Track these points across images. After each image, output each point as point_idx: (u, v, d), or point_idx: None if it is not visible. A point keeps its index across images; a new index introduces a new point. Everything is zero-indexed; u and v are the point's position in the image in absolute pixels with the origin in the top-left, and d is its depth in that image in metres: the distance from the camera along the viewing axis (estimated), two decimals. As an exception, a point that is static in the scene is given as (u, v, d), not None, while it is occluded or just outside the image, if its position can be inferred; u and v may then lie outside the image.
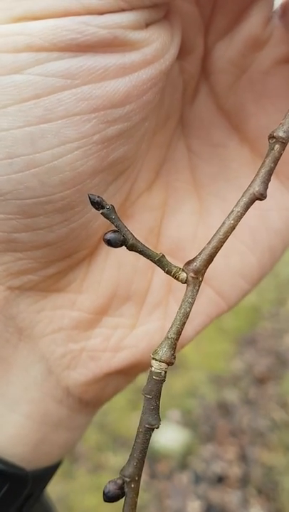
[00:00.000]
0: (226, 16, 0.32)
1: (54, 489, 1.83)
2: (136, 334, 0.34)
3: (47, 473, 0.36)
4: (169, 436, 2.11)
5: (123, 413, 2.08)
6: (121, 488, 0.24)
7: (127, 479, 0.24)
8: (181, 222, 0.34)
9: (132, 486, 0.24)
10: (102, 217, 0.24)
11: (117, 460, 1.93)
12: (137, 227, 0.33)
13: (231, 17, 0.32)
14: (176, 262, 0.33)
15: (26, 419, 0.33)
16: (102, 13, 0.24)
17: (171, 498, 1.87)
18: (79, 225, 0.28)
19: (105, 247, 0.32)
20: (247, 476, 1.93)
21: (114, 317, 0.34)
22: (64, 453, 0.37)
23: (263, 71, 0.33)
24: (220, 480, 1.94)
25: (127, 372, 0.35)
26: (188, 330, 0.34)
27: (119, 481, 0.24)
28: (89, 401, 0.35)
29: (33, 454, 0.34)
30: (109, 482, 0.24)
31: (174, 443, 2.09)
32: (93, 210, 0.24)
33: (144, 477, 1.88)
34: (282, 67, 0.33)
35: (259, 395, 2.35)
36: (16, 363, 0.33)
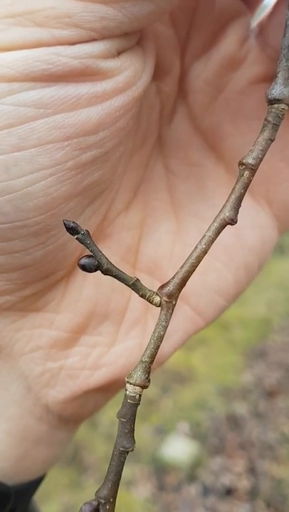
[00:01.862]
0: (203, 37, 0.32)
1: (62, 500, 1.83)
2: (114, 352, 0.34)
3: (29, 487, 0.36)
4: (178, 448, 2.11)
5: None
6: (96, 509, 0.24)
7: (102, 501, 0.24)
8: (159, 241, 0.35)
9: (107, 507, 0.24)
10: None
11: (125, 471, 1.92)
12: (115, 246, 0.34)
13: (207, 37, 0.32)
14: (154, 280, 0.34)
15: (6, 435, 0.33)
16: (73, 44, 0.24)
17: (180, 510, 1.87)
18: (55, 247, 0.29)
19: None
20: (256, 489, 1.92)
21: (93, 336, 0.34)
22: (46, 468, 0.37)
23: (239, 91, 0.33)
24: (228, 492, 1.93)
25: (105, 390, 0.35)
26: (166, 347, 0.35)
27: (95, 503, 0.24)
28: (68, 418, 0.35)
29: (14, 469, 0.34)
30: (84, 504, 0.24)
31: (183, 455, 2.08)
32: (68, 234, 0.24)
33: (152, 489, 1.88)
34: (257, 87, 0.33)
35: (269, 408, 2.34)
36: None
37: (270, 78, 0.33)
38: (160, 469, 2.01)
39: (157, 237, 0.35)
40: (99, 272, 0.32)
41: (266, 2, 0.33)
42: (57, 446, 0.37)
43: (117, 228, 0.34)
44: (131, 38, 0.26)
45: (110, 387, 0.35)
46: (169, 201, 0.35)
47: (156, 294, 0.25)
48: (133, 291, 0.33)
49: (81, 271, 0.32)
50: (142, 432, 2.05)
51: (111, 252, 0.33)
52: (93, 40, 0.24)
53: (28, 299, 0.32)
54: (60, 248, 0.29)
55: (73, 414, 0.35)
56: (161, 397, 2.34)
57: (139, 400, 0.25)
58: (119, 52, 0.26)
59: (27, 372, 0.33)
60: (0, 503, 0.34)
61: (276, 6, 0.32)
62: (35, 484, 0.37)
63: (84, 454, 2.07)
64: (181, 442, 2.15)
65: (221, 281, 0.35)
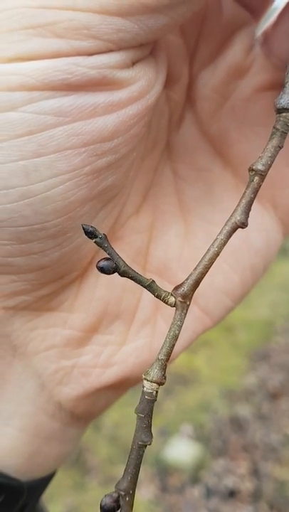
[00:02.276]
0: (210, 45, 0.33)
1: (66, 501, 1.83)
2: (125, 351, 0.35)
3: (41, 483, 0.37)
4: (181, 450, 2.10)
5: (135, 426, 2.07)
6: (116, 501, 0.25)
7: (122, 493, 0.25)
8: (168, 244, 0.36)
9: (127, 499, 0.25)
10: (91, 240, 0.25)
11: (129, 473, 1.92)
12: (126, 249, 0.35)
13: (215, 46, 0.33)
14: (163, 281, 0.35)
15: (19, 432, 0.34)
16: (91, 54, 0.25)
17: (183, 512, 1.86)
18: (71, 249, 0.30)
19: (95, 269, 0.33)
20: (259, 491, 1.92)
21: (105, 335, 0.35)
22: (57, 464, 0.38)
23: (245, 98, 0.34)
24: (231, 494, 1.93)
25: (116, 387, 0.36)
26: (176, 346, 0.36)
27: (115, 495, 0.25)
28: (80, 415, 0.36)
29: (27, 465, 0.35)
30: (105, 496, 0.25)
31: (186, 457, 2.07)
32: (84, 235, 0.25)
33: (155, 491, 1.87)
34: (262, 95, 0.34)
35: (272, 410, 2.34)
36: (10, 379, 0.34)
37: (275, 86, 0.34)
38: (163, 471, 2.01)
39: (166, 240, 0.36)
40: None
41: (271, 11, 0.34)
42: (68, 444, 0.38)
43: (127, 231, 0.35)
44: (145, 49, 0.27)
45: (121, 385, 0.36)
46: (178, 205, 0.36)
47: (171, 295, 0.26)
48: (144, 292, 0.35)
49: (95, 270, 0.33)
50: (146, 434, 2.04)
51: (122, 254, 0.34)
52: (110, 51, 0.25)
53: (43, 299, 0.33)
54: (75, 250, 0.30)
55: (85, 412, 0.36)
56: (165, 399, 2.33)
57: (156, 396, 0.25)
58: (133, 63, 0.27)
59: (41, 371, 0.34)
60: (13, 499, 0.35)
61: (280, 16, 0.33)
62: (46, 481, 0.38)
63: (87, 455, 2.07)
64: (185, 444, 2.14)
65: (228, 282, 0.36)
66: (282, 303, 3.19)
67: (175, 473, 2.01)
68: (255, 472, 2.01)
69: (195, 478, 1.99)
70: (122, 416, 2.19)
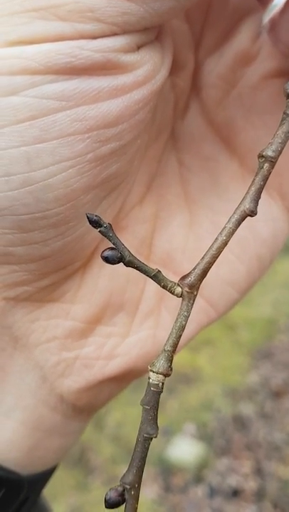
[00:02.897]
0: (216, 32, 0.33)
1: (69, 501, 1.83)
2: (128, 342, 0.35)
3: (42, 477, 0.37)
4: (184, 450, 2.10)
5: (138, 425, 2.08)
6: (121, 495, 0.25)
7: (128, 486, 0.24)
8: (172, 234, 0.35)
9: (132, 492, 0.25)
10: (95, 230, 0.25)
11: (132, 472, 1.92)
12: (130, 239, 0.34)
13: (221, 33, 0.33)
14: (167, 272, 0.35)
15: (20, 425, 0.34)
16: (95, 38, 0.24)
17: (186, 511, 1.86)
18: (73, 238, 0.29)
19: (99, 259, 0.33)
20: (262, 490, 1.92)
21: (108, 326, 0.34)
22: (59, 458, 0.38)
23: (252, 86, 0.34)
24: (235, 494, 1.93)
25: (119, 380, 0.36)
26: (180, 339, 0.35)
27: (120, 489, 0.25)
28: (83, 408, 0.36)
29: (27, 459, 0.35)
30: (110, 489, 0.25)
31: (189, 456, 2.08)
32: (87, 224, 0.25)
33: (158, 490, 1.88)
34: (270, 82, 0.34)
35: (275, 408, 2.34)
36: (11, 371, 0.34)
37: (282, 73, 0.34)
38: (166, 470, 2.01)
39: (171, 230, 0.35)
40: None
41: (278, -2, 0.34)
42: (70, 437, 0.38)
43: (131, 221, 0.34)
44: (150, 33, 0.27)
45: (124, 377, 0.36)
46: (182, 195, 0.36)
47: (178, 285, 0.25)
48: (148, 283, 0.34)
49: (98, 260, 0.33)
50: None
51: (126, 244, 0.33)
52: (115, 34, 0.25)
53: (45, 290, 0.32)
54: (78, 239, 0.30)
55: (87, 404, 0.36)
56: (167, 398, 2.34)
57: (162, 388, 0.25)
58: (139, 47, 0.26)
59: (42, 362, 0.34)
60: (13, 493, 0.34)
61: (287, 3, 0.32)
62: (47, 475, 0.38)
63: (90, 455, 2.07)
64: (188, 443, 2.15)
65: (234, 273, 0.36)
66: (284, 301, 3.19)
67: (178, 472, 2.01)
68: (259, 471, 2.01)
69: (198, 478, 1.99)
70: (124, 415, 2.19)
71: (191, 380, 2.50)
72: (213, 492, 1.93)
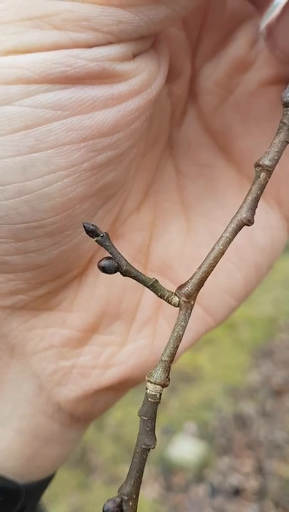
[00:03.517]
0: (213, 39, 0.33)
1: (70, 501, 1.83)
2: (125, 351, 0.34)
3: (40, 486, 0.37)
4: (185, 449, 2.10)
5: (138, 425, 2.08)
6: (119, 506, 0.25)
7: (125, 497, 0.24)
8: (169, 241, 0.35)
9: (130, 504, 0.25)
10: (91, 239, 0.25)
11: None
12: (127, 247, 0.34)
13: (218, 40, 0.33)
14: (165, 280, 0.35)
15: (17, 434, 0.34)
16: (90, 47, 0.24)
17: (188, 510, 1.87)
18: (69, 247, 0.29)
19: (95, 267, 0.33)
20: (264, 489, 1.92)
21: (104, 335, 0.34)
22: (56, 466, 0.37)
23: (249, 93, 0.34)
24: (236, 493, 1.93)
25: (116, 389, 0.36)
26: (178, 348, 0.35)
27: (118, 500, 0.25)
28: (80, 416, 0.36)
29: (25, 468, 0.34)
30: (108, 500, 0.25)
31: (190, 455, 2.08)
32: (84, 233, 0.25)
33: (159, 490, 1.88)
34: (267, 89, 0.34)
35: (276, 407, 2.34)
36: (7, 379, 0.33)
37: (279, 80, 0.33)
38: (168, 470, 2.01)
39: (167, 238, 0.35)
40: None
41: (275, 4, 0.33)
42: (67, 445, 0.37)
43: (128, 229, 0.34)
44: (146, 42, 0.27)
45: (121, 386, 0.35)
46: (179, 202, 0.36)
47: (175, 295, 0.25)
48: (145, 291, 0.34)
49: (95, 269, 0.33)
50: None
51: (123, 252, 0.33)
52: (110, 43, 0.25)
53: (41, 299, 0.32)
54: (74, 248, 0.30)
55: (84, 413, 0.36)
56: (168, 397, 2.34)
57: (160, 399, 0.25)
58: (134, 55, 0.26)
59: (39, 371, 0.34)
60: (11, 502, 0.34)
61: (285, 9, 0.32)
62: (44, 483, 0.38)
63: (91, 455, 2.07)
64: (189, 442, 2.15)
65: (232, 281, 0.35)
66: (285, 299, 3.19)
67: (179, 471, 2.01)
68: (260, 470, 2.01)
69: (199, 477, 1.99)
70: (125, 415, 2.19)
71: (192, 379, 2.50)
72: (214, 491, 1.93)
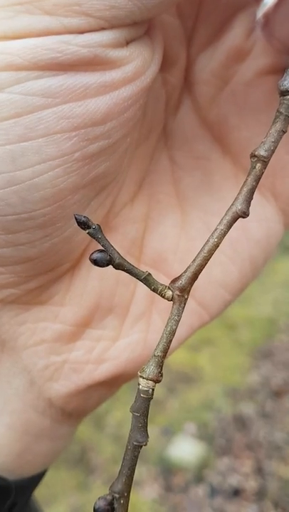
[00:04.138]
0: (209, 28, 0.32)
1: (70, 501, 1.83)
2: (118, 346, 0.34)
3: (31, 482, 0.36)
4: (185, 449, 2.10)
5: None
6: (110, 504, 0.24)
7: (117, 495, 0.24)
8: (164, 234, 0.35)
9: (122, 501, 0.24)
10: (83, 231, 0.24)
11: (132, 472, 1.92)
12: (120, 239, 0.33)
13: (214, 28, 0.32)
14: (159, 273, 0.34)
15: (8, 429, 0.33)
16: (82, 32, 0.24)
17: (187, 511, 1.86)
18: (61, 240, 0.29)
19: (88, 260, 0.32)
20: (263, 490, 1.92)
21: (97, 329, 0.34)
22: (47, 463, 0.37)
23: (245, 83, 0.33)
24: (236, 493, 1.93)
25: (109, 384, 0.35)
26: (172, 342, 0.35)
27: (109, 497, 0.24)
28: (72, 412, 0.35)
29: (15, 463, 0.34)
30: (99, 498, 0.24)
31: (190, 456, 2.08)
32: (76, 225, 0.24)
33: (159, 490, 1.88)
34: (263, 79, 0.33)
35: (276, 408, 2.34)
36: None
37: (276, 70, 0.33)
38: (167, 470, 2.01)
39: (162, 231, 0.35)
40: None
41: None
42: (59, 441, 0.37)
43: (121, 221, 0.34)
44: (140, 28, 0.26)
45: (114, 382, 0.35)
46: (174, 194, 0.35)
47: (168, 288, 0.25)
48: (139, 285, 0.34)
49: (87, 262, 0.32)
50: (149, 433, 2.04)
51: (116, 245, 0.33)
52: (102, 29, 0.24)
53: (32, 292, 0.32)
54: (66, 241, 0.29)
55: (76, 409, 0.35)
56: (168, 398, 2.34)
57: (152, 395, 0.25)
58: (128, 42, 0.26)
59: (30, 366, 0.33)
60: (1, 498, 0.34)
61: None
62: (36, 479, 0.37)
63: (91, 455, 2.07)
64: (188, 443, 2.14)
65: (226, 274, 0.35)
66: (284, 300, 3.19)
67: (179, 472, 2.01)
68: (260, 471, 2.01)
69: (199, 477, 1.99)
70: (125, 414, 2.19)
71: (192, 379, 2.50)
72: (214, 492, 1.93)
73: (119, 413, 2.20)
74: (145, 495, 1.89)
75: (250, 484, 1.95)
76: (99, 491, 1.89)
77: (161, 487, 1.95)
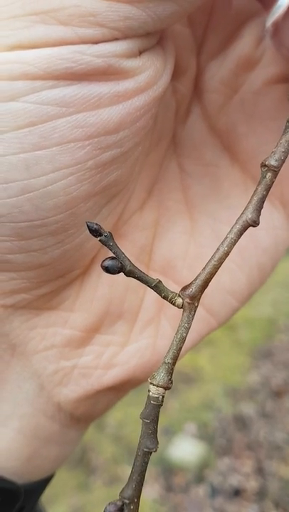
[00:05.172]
0: (219, 36, 0.32)
1: (70, 501, 1.83)
2: (127, 352, 0.34)
3: (39, 486, 0.36)
4: (185, 449, 2.10)
5: (139, 425, 2.08)
6: (120, 509, 0.24)
7: (127, 501, 0.24)
8: (173, 241, 0.35)
9: (132, 507, 0.24)
10: (95, 238, 0.24)
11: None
12: (129, 246, 0.34)
13: (224, 37, 0.32)
14: (168, 280, 0.34)
15: (17, 433, 0.34)
16: (96, 43, 0.24)
17: (188, 511, 1.86)
18: (72, 246, 0.29)
19: (98, 267, 0.32)
20: (264, 490, 1.92)
21: (106, 335, 0.34)
22: (55, 467, 0.37)
23: (254, 91, 0.33)
24: (236, 493, 1.93)
25: (118, 389, 0.35)
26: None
27: (119, 503, 0.24)
28: (80, 417, 0.36)
29: (24, 467, 0.34)
30: (109, 504, 0.24)
31: (190, 456, 2.08)
32: (87, 232, 0.24)
33: (159, 490, 1.87)
34: (273, 88, 0.33)
35: (276, 408, 2.34)
36: (8, 378, 0.33)
37: (285, 79, 0.33)
38: (168, 470, 2.01)
39: (171, 238, 0.35)
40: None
41: (281, 2, 0.33)
42: (67, 446, 0.37)
43: (131, 228, 0.34)
44: (153, 38, 0.26)
45: (123, 387, 0.35)
46: (183, 201, 0.35)
47: (179, 296, 0.25)
48: (148, 291, 0.34)
49: (98, 268, 0.33)
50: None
51: (125, 252, 0.33)
52: (116, 39, 0.24)
53: (43, 298, 0.32)
54: (77, 247, 0.29)
55: (85, 413, 0.36)
56: (168, 398, 2.34)
57: (162, 401, 0.25)
58: (141, 52, 0.26)
59: (40, 371, 0.33)
60: (9, 502, 0.34)
61: None
62: (44, 483, 0.37)
63: (91, 455, 2.07)
64: (189, 443, 2.14)
65: (234, 282, 0.35)
66: (284, 301, 3.20)
67: (179, 472, 2.01)
68: (260, 471, 2.01)
69: (199, 478, 1.99)
70: (125, 415, 2.19)
71: (192, 379, 2.50)
72: (214, 492, 1.93)
73: (119, 414, 2.20)
74: (146, 495, 1.89)
75: (250, 484, 1.96)
76: (99, 491, 1.89)
77: (161, 487, 1.95)
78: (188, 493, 1.94)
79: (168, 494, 1.93)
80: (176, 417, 2.25)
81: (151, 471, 1.98)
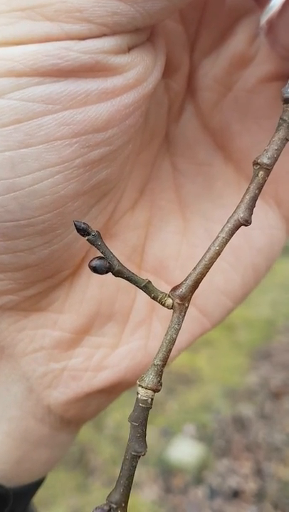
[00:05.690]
0: (212, 33, 0.32)
1: (69, 502, 1.83)
2: (118, 353, 0.34)
3: (29, 490, 0.36)
4: (184, 451, 2.10)
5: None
6: (108, 514, 0.24)
7: (114, 506, 0.24)
8: (165, 241, 0.34)
9: (119, 512, 0.24)
10: (83, 238, 0.24)
11: (131, 474, 1.93)
12: (121, 246, 0.33)
13: (217, 34, 0.32)
14: (160, 280, 0.34)
15: (6, 436, 0.33)
16: (83, 39, 0.23)
17: (186, 512, 1.87)
18: (60, 246, 0.28)
19: (87, 267, 0.32)
20: (263, 491, 1.92)
21: (97, 336, 0.34)
22: (46, 470, 0.37)
23: (248, 89, 0.33)
24: (235, 495, 1.93)
25: (109, 392, 0.35)
26: (172, 350, 0.35)
27: (106, 508, 0.24)
28: (70, 419, 0.35)
29: (13, 471, 0.34)
30: (96, 508, 0.24)
31: (189, 457, 2.08)
32: (75, 232, 0.24)
33: (158, 491, 1.88)
34: (266, 86, 0.33)
35: (275, 409, 2.34)
36: None
37: (279, 77, 0.33)
38: (166, 472, 2.01)
39: (163, 237, 0.34)
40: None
41: (275, -1, 0.33)
42: (58, 449, 0.37)
43: (122, 228, 0.33)
44: (142, 34, 0.26)
45: (114, 389, 0.35)
46: (176, 200, 0.35)
47: (169, 296, 0.25)
48: (139, 292, 0.33)
49: (86, 271, 0.32)
50: (148, 435, 2.03)
51: (116, 252, 0.33)
52: (104, 35, 0.24)
53: (31, 299, 0.31)
54: (66, 248, 0.29)
55: (75, 416, 0.35)
56: (167, 399, 2.34)
57: (151, 404, 0.24)
58: (130, 48, 0.25)
59: (29, 373, 0.33)
60: None
61: (286, 3, 0.31)
62: (34, 487, 0.37)
63: (90, 456, 2.07)
64: (188, 444, 2.15)
65: (228, 282, 0.35)
66: (283, 302, 3.20)
67: (178, 473, 2.01)
68: (259, 472, 2.01)
69: (198, 479, 1.99)
70: (124, 416, 2.19)
71: (191, 380, 2.50)
72: (213, 493, 1.93)
73: (118, 415, 2.20)
74: (144, 496, 1.89)
75: (249, 486, 1.96)
76: (98, 492, 1.89)
77: (160, 488, 1.95)
78: (187, 495, 1.94)
79: (167, 495, 1.93)
80: (174, 418, 2.26)
81: (149, 473, 1.98)
